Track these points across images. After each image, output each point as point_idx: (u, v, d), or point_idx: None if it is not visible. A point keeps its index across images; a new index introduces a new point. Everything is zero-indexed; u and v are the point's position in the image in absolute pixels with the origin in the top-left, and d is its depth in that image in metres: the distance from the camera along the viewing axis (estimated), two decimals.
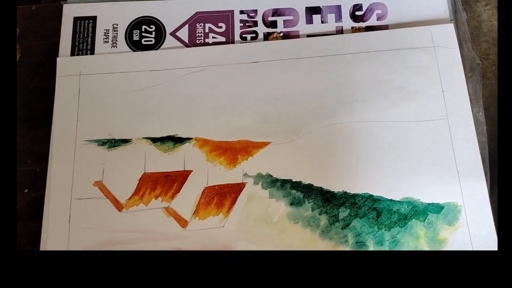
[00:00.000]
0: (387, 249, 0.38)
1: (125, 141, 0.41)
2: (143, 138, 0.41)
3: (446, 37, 0.43)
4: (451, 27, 0.43)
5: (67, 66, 0.43)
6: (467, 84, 0.42)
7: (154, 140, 0.41)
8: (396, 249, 0.38)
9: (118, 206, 0.40)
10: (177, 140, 0.41)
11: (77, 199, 0.39)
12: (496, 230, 0.38)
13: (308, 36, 0.44)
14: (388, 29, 0.44)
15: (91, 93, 0.42)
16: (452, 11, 0.45)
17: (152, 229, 0.39)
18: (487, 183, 0.40)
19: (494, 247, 0.38)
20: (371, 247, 0.38)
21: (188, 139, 0.41)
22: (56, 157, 0.41)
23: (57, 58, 0.43)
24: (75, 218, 0.39)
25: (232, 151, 0.41)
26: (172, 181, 0.40)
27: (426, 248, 0.38)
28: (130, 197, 0.40)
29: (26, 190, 0.41)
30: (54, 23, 0.45)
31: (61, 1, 0.46)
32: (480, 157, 0.40)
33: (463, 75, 0.42)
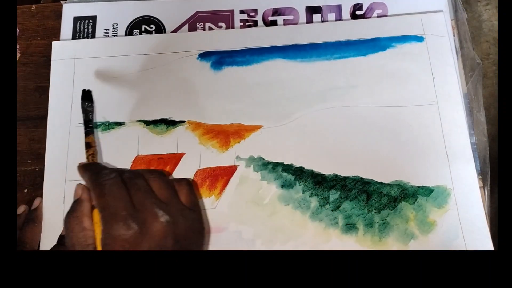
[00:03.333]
0: (376, 231, 0.38)
1: (119, 124, 0.42)
2: (136, 121, 0.42)
3: (437, 25, 0.43)
4: (441, 15, 0.44)
5: (62, 50, 0.44)
6: (467, 84, 0.42)
7: (147, 123, 0.42)
8: (386, 231, 0.38)
9: None
10: (170, 123, 0.42)
11: (72, 180, 0.40)
12: (495, 229, 0.38)
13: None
14: None
15: (85, 77, 0.43)
16: (453, 10, 0.45)
17: None
18: (487, 183, 0.40)
19: (484, 230, 0.38)
20: (361, 229, 0.39)
21: (181, 122, 0.42)
22: (51, 139, 0.41)
23: (53, 42, 0.44)
24: (69, 199, 0.39)
25: (225, 134, 0.41)
26: (165, 164, 0.41)
27: (415, 230, 0.38)
28: None
29: (26, 190, 0.42)
30: (54, 23, 0.45)
31: (61, 1, 0.46)
32: (469, 141, 0.40)
33: (453, 61, 0.42)
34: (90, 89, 0.42)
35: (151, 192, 0.33)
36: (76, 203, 0.34)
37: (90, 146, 0.39)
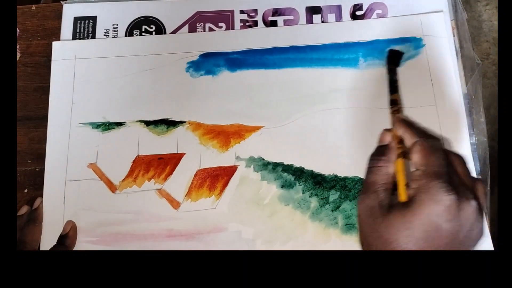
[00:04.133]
0: None
1: (119, 124, 0.42)
2: (136, 121, 0.42)
3: (436, 26, 0.43)
4: (440, 16, 0.44)
5: (63, 50, 0.44)
6: (467, 84, 0.42)
7: (147, 123, 0.42)
8: None
9: (112, 187, 0.40)
10: (170, 124, 0.42)
11: (72, 180, 0.40)
12: (495, 229, 0.38)
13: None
14: None
15: (86, 77, 0.43)
16: (453, 11, 0.45)
17: (145, 210, 0.40)
18: (487, 183, 0.40)
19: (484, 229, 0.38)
20: None
21: (182, 122, 0.42)
22: (51, 139, 0.41)
23: (53, 42, 0.44)
24: (69, 199, 0.40)
25: (225, 134, 0.41)
26: (165, 164, 0.41)
27: None
28: (123, 179, 0.40)
29: (26, 190, 0.42)
30: (54, 23, 0.45)
31: (61, 1, 0.46)
32: (468, 142, 0.40)
33: (452, 63, 0.42)
34: (90, 89, 0.42)
35: (459, 174, 0.30)
36: (384, 148, 0.33)
37: (396, 103, 0.38)
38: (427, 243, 0.28)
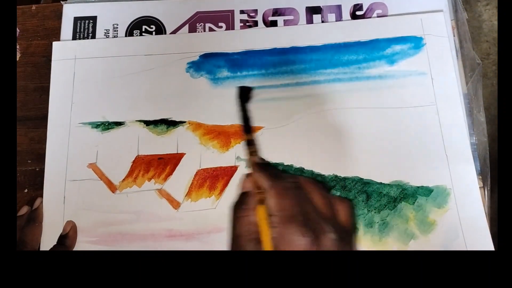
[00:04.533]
0: (376, 230, 0.39)
1: (119, 124, 0.42)
2: (136, 121, 0.42)
3: (436, 25, 0.43)
4: (441, 15, 0.44)
5: (63, 50, 0.44)
6: (467, 84, 0.42)
7: (147, 123, 0.42)
8: (386, 231, 0.39)
9: (112, 187, 0.40)
10: (170, 123, 0.42)
11: (72, 180, 0.40)
12: (495, 229, 0.38)
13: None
14: None
15: (85, 77, 0.43)
16: (453, 10, 0.45)
17: (145, 210, 0.40)
18: (487, 183, 0.40)
19: (484, 229, 0.38)
20: (361, 229, 0.39)
21: (182, 122, 0.42)
22: (51, 139, 0.41)
23: (53, 43, 0.44)
24: (69, 199, 0.40)
25: (225, 134, 0.41)
26: (165, 164, 0.41)
27: (415, 230, 0.39)
28: (123, 179, 0.40)
29: (26, 190, 0.42)
30: (55, 23, 0.45)
31: (61, 1, 0.46)
32: (468, 142, 0.40)
33: (452, 62, 0.42)
34: (90, 89, 0.42)
35: (316, 205, 0.31)
36: (246, 195, 0.33)
37: (251, 143, 0.38)
38: None
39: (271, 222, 0.30)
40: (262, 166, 0.34)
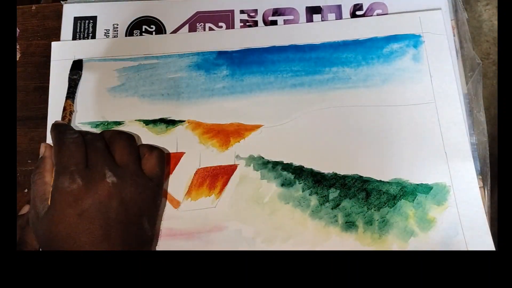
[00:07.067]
0: (376, 228, 0.39)
1: (118, 123, 0.42)
2: (135, 120, 0.42)
3: (435, 24, 0.44)
4: (439, 13, 0.44)
5: (62, 50, 0.44)
6: (467, 84, 0.42)
7: (146, 122, 0.42)
8: (386, 228, 0.39)
9: None
10: (169, 123, 0.42)
11: None
12: (495, 229, 0.38)
13: None
14: None
15: (85, 76, 0.43)
16: (453, 10, 0.45)
17: None
18: (487, 183, 0.40)
19: (484, 226, 0.38)
20: (361, 227, 0.39)
21: (181, 121, 0.42)
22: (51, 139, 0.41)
23: (52, 43, 0.44)
24: None
25: (225, 133, 0.41)
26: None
27: (415, 227, 0.39)
28: None
29: (26, 190, 0.42)
30: (55, 23, 0.45)
31: (61, 1, 0.46)
32: (467, 139, 0.41)
33: (451, 60, 0.42)
34: (89, 88, 0.42)
35: (108, 155, 0.34)
36: (40, 160, 0.36)
37: (65, 109, 0.40)
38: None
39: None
40: (54, 126, 0.37)
